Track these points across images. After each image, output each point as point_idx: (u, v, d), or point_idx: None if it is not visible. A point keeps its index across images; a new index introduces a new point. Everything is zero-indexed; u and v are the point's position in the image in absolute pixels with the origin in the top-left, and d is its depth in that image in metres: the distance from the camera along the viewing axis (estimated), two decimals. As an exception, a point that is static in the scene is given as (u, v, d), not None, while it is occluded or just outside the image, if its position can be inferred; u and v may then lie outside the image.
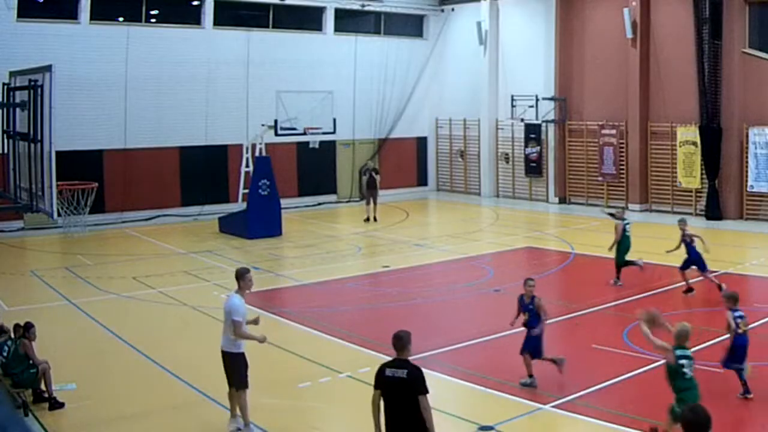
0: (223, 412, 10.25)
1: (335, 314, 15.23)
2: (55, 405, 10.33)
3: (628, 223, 17.26)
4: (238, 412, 9.74)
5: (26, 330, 10.59)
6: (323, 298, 16.64)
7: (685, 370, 8.64)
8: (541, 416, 9.92)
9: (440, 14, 34.40)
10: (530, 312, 11.21)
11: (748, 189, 24.67)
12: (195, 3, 28.37)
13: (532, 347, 11.12)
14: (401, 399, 7.38)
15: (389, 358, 12.01)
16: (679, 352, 8.68)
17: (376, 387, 7.61)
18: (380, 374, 7.59)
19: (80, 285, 17.73)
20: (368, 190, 27.12)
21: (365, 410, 10.61)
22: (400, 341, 7.60)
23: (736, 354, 10.70)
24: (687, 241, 16.16)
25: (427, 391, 7.36)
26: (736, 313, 10.77)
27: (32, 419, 10.01)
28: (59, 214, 20.91)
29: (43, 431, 9.76)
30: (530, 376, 11.09)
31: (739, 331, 10.68)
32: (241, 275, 9.81)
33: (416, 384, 7.34)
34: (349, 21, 32.32)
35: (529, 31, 30.91)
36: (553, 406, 10.08)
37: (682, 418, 5.85)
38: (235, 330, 9.55)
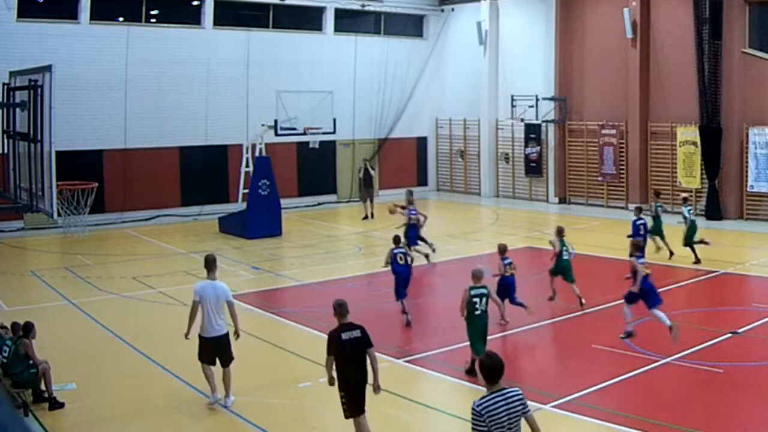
0: (223, 412, 10.26)
1: (335, 314, 15.21)
2: (55, 405, 10.33)
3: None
4: (216, 386, 10.37)
5: (26, 330, 10.59)
6: (323, 298, 16.60)
7: (476, 306, 11.14)
8: (541, 416, 9.85)
9: (440, 14, 34.41)
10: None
11: (748, 189, 24.66)
12: (195, 3, 28.37)
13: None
14: (357, 355, 8.74)
15: (390, 359, 12.05)
16: (473, 292, 11.15)
17: (331, 353, 8.74)
18: (337, 339, 8.74)
19: (80, 285, 17.73)
20: (365, 188, 27.53)
21: (365, 410, 10.61)
22: (344, 308, 8.95)
23: (507, 291, 13.93)
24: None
25: (373, 344, 8.86)
26: (506, 261, 14.12)
27: (32, 419, 10.01)
28: (59, 214, 20.92)
29: (43, 431, 9.76)
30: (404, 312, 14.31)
31: (507, 273, 14.01)
32: (215, 262, 10.57)
33: (368, 339, 8.80)
34: (349, 21, 32.32)
35: (529, 31, 30.92)
36: (553, 406, 10.07)
37: (480, 363, 6.48)
38: (232, 310, 10.36)
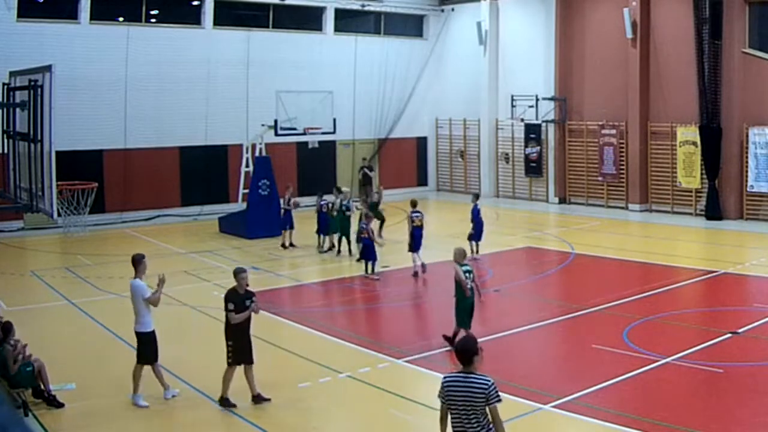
0: (223, 412, 10.25)
1: (335, 314, 15.23)
2: (55, 404, 10.30)
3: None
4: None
5: (5, 332, 10.36)
6: (323, 298, 16.64)
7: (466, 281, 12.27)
8: (541, 416, 9.91)
9: (440, 14, 34.41)
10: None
11: (748, 189, 24.66)
12: (195, 3, 28.36)
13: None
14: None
15: (388, 358, 12.06)
16: (463, 268, 12.28)
17: (228, 309, 10.32)
18: (233, 296, 10.39)
19: (80, 285, 17.72)
20: (363, 187, 28.54)
21: (365, 410, 10.64)
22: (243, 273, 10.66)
23: (417, 241, 18.17)
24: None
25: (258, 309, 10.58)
26: (414, 214, 18.40)
27: (32, 419, 10.00)
28: (59, 214, 20.90)
29: (43, 431, 9.75)
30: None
31: (415, 224, 18.25)
32: (141, 261, 11.01)
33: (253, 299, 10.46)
34: (349, 21, 32.32)
35: (529, 31, 30.92)
36: (553, 406, 10.07)
37: (455, 348, 6.93)
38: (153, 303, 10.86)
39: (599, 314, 14.48)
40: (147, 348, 10.68)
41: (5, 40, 23.23)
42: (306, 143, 26.67)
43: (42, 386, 10.47)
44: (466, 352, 6.68)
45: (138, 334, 10.77)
